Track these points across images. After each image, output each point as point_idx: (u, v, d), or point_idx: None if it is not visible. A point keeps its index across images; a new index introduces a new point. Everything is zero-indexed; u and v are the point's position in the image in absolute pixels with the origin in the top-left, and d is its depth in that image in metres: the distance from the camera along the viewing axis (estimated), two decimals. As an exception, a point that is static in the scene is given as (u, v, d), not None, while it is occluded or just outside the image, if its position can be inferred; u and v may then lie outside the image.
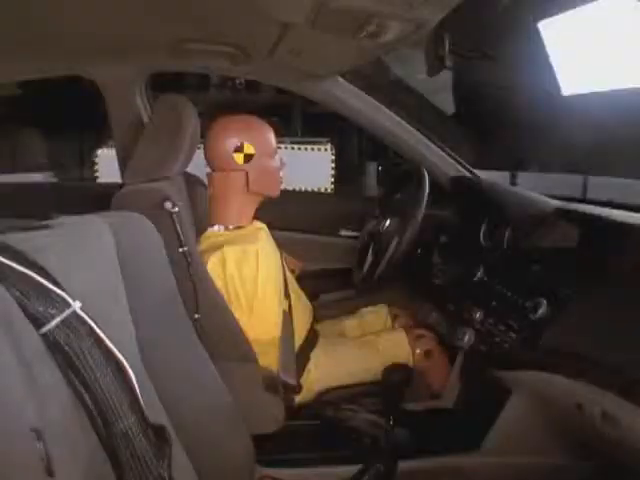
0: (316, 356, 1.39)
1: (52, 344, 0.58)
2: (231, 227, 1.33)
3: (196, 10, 1.04)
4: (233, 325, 1.19)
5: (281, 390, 1.22)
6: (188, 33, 1.23)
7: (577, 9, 1.25)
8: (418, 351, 1.49)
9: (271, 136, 1.36)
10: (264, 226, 1.41)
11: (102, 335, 0.63)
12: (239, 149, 1.29)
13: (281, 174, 1.39)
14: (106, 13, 1.02)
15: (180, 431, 0.82)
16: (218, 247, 1.23)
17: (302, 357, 1.36)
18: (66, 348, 0.59)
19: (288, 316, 1.32)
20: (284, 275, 1.38)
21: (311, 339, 1.44)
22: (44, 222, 0.74)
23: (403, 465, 1.16)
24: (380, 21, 0.95)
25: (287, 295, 1.35)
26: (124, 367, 0.65)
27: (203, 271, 1.17)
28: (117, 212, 1.00)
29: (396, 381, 1.41)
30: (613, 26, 1.34)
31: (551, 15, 1.35)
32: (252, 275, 1.22)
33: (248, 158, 1.30)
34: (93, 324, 0.62)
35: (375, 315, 1.70)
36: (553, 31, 1.37)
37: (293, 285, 1.48)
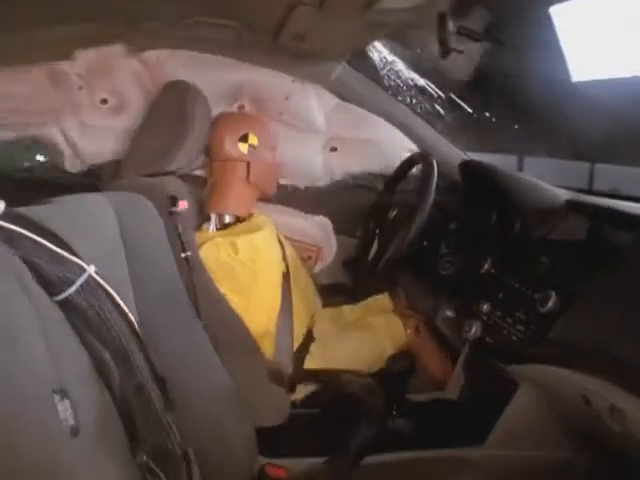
0: (313, 354, 1.38)
1: (73, 308, 0.60)
2: (227, 218, 1.36)
3: None
4: (237, 324, 1.17)
5: (286, 381, 1.21)
6: (191, 8, 1.19)
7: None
8: (408, 331, 1.52)
9: (273, 132, 1.43)
10: (267, 218, 1.43)
11: (116, 295, 0.65)
12: (244, 138, 1.34)
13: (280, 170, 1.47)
14: None
15: (181, 421, 0.80)
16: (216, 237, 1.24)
17: (299, 356, 1.35)
18: (88, 311, 0.61)
19: (287, 313, 1.32)
20: (287, 269, 1.38)
21: (308, 339, 1.43)
22: (45, 200, 0.73)
23: (408, 456, 1.17)
24: None
25: (289, 291, 1.36)
26: (134, 326, 0.68)
27: (204, 272, 1.14)
28: (118, 192, 0.99)
29: (399, 370, 1.41)
30: (625, 12, 1.31)
31: (563, 0, 1.32)
32: (251, 260, 1.22)
33: (253, 147, 1.35)
34: (107, 286, 0.64)
35: (377, 304, 1.69)
36: (565, 17, 1.35)
37: (298, 280, 1.47)
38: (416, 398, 1.38)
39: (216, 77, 1.48)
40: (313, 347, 1.40)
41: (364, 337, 1.46)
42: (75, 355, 0.60)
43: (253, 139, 1.35)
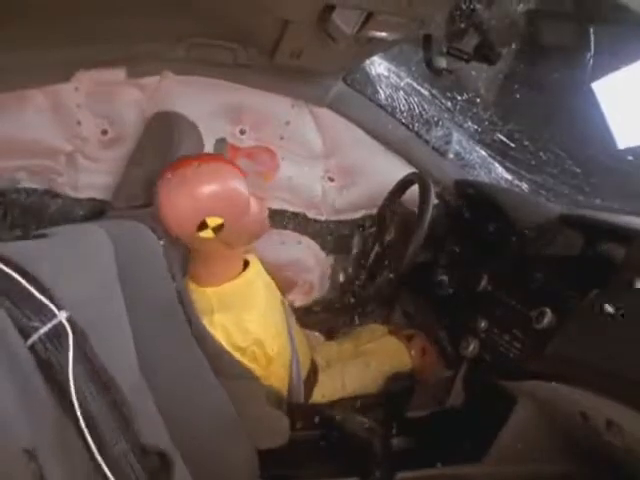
0: (322, 382, 1.37)
1: (38, 356, 0.54)
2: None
3: (197, 5, 1.02)
4: (228, 358, 1.09)
5: (284, 405, 1.21)
6: (189, 30, 1.20)
7: (628, 67, 1.26)
8: (413, 352, 1.50)
9: (240, 185, 1.04)
10: (253, 272, 1.21)
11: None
12: (203, 226, 1.01)
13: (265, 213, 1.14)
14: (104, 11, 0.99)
15: (181, 446, 0.81)
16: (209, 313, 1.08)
17: (308, 385, 1.33)
18: (51, 361, 0.54)
19: (294, 352, 1.28)
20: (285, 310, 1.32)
21: (313, 367, 1.41)
22: (41, 231, 0.73)
23: (407, 475, 1.17)
24: (381, 18, 0.94)
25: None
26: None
27: (192, 309, 1.03)
28: (116, 221, 0.99)
29: (399, 390, 1.41)
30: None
31: (604, 75, 1.35)
32: (263, 340, 1.12)
33: (218, 228, 1.03)
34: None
35: (369, 331, 1.69)
36: (607, 90, 1.37)
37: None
38: (416, 414, 1.39)
39: (216, 101, 1.45)
40: (322, 375, 1.38)
41: (370, 370, 1.45)
42: (51, 407, 0.54)
43: (214, 220, 1.01)
